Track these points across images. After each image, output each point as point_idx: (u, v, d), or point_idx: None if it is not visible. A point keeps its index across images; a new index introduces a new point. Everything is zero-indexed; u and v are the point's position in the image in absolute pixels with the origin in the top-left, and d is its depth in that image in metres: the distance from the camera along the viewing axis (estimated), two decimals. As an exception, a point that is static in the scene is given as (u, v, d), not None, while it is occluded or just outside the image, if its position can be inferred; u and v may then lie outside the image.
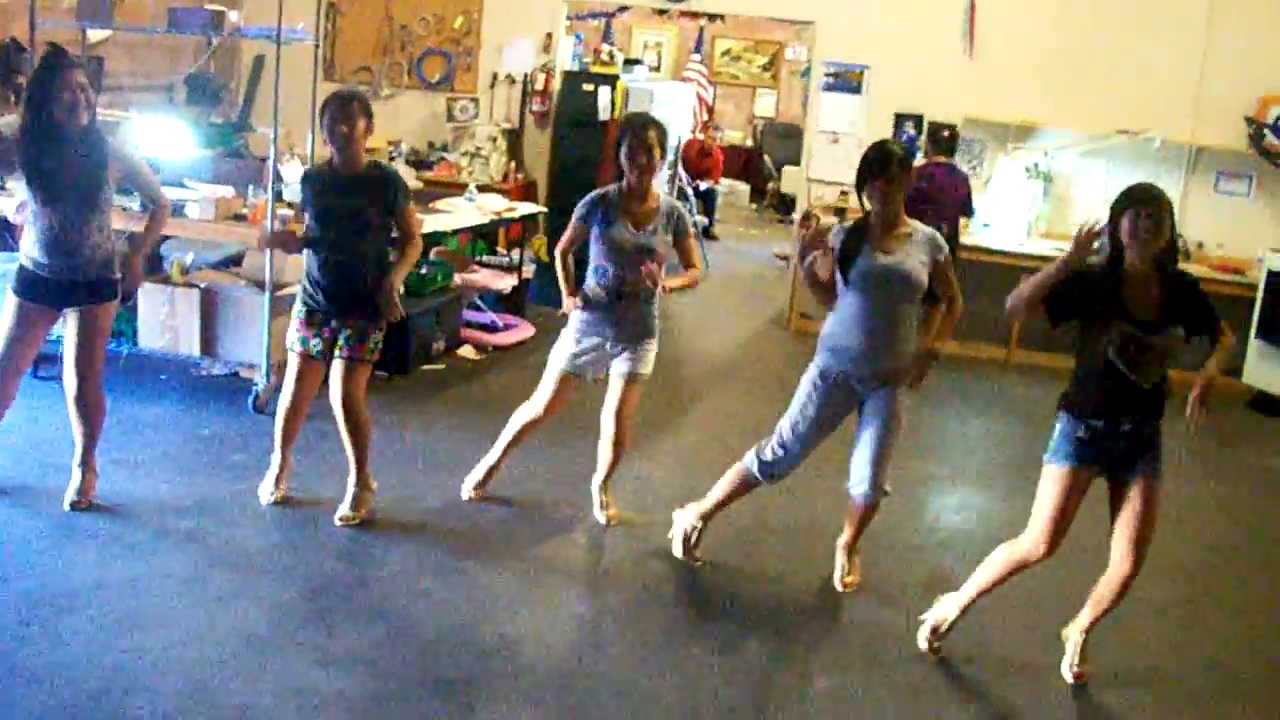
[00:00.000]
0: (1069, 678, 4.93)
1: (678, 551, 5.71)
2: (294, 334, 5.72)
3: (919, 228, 5.28)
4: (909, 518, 6.13)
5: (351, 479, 5.82)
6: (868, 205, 5.21)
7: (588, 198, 5.79)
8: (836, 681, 4.83)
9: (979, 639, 5.17)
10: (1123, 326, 4.50)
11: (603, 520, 6.09)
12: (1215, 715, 4.90)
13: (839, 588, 5.62)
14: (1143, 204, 4.49)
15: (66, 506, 5.61)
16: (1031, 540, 4.74)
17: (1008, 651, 5.17)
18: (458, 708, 4.36)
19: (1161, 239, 4.49)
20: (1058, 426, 4.70)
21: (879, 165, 5.13)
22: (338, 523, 5.74)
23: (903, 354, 5.27)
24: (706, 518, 5.75)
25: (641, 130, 5.62)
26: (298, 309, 5.71)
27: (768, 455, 5.50)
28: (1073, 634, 4.97)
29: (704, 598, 5.47)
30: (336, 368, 5.65)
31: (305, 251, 5.69)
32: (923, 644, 5.04)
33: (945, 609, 5.04)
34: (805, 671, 4.90)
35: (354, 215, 5.54)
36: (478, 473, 6.22)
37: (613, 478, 6.15)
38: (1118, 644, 5.18)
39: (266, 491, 5.91)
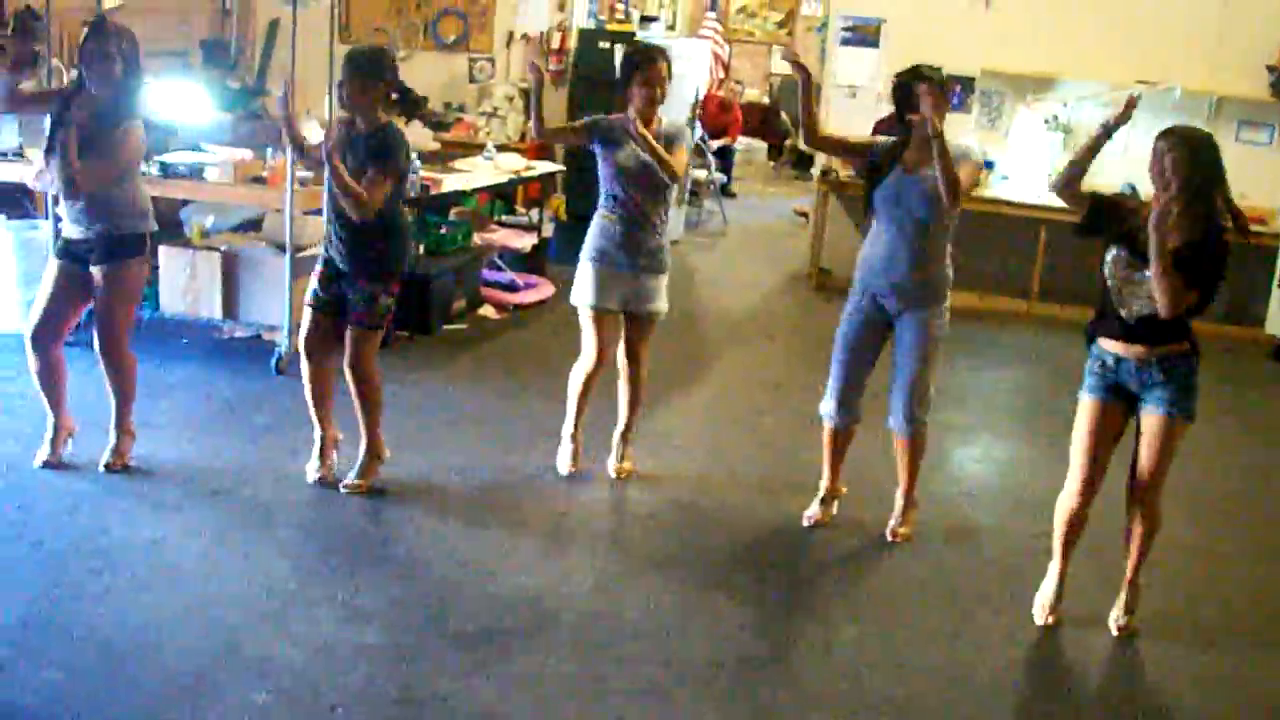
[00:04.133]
0: (1113, 629, 4.91)
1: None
2: (310, 286, 5.69)
3: (958, 143, 5.29)
4: (933, 468, 6.13)
5: (362, 447, 5.77)
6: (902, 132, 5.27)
7: (598, 116, 5.81)
8: (860, 631, 4.85)
9: (1015, 589, 5.17)
10: (1119, 252, 4.58)
11: (611, 474, 6.06)
12: (1244, 662, 4.88)
13: (888, 536, 5.62)
14: (1161, 141, 4.56)
15: (101, 468, 5.64)
16: (1068, 481, 4.80)
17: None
18: (482, 659, 4.39)
19: (1177, 172, 4.49)
20: (1088, 359, 4.79)
21: (924, 78, 5.17)
22: (343, 490, 5.68)
23: (928, 273, 5.31)
24: (829, 496, 5.78)
25: (657, 61, 5.61)
26: (318, 265, 5.69)
27: (824, 394, 5.59)
28: (1123, 586, 4.94)
29: (728, 549, 5.48)
30: (347, 333, 5.61)
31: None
32: (1039, 619, 4.96)
33: (1044, 584, 5.01)
34: (829, 621, 4.92)
35: (360, 174, 5.40)
36: (565, 447, 6.09)
37: (634, 429, 6.12)
38: (1153, 589, 5.15)
39: (312, 469, 5.78)
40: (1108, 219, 4.72)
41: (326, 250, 5.61)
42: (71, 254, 5.50)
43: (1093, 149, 4.71)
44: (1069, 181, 4.78)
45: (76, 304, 5.59)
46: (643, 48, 5.80)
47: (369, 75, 5.38)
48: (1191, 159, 4.49)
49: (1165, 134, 4.57)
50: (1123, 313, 4.61)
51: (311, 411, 5.77)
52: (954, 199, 5.11)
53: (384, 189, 5.35)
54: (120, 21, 5.64)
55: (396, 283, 5.62)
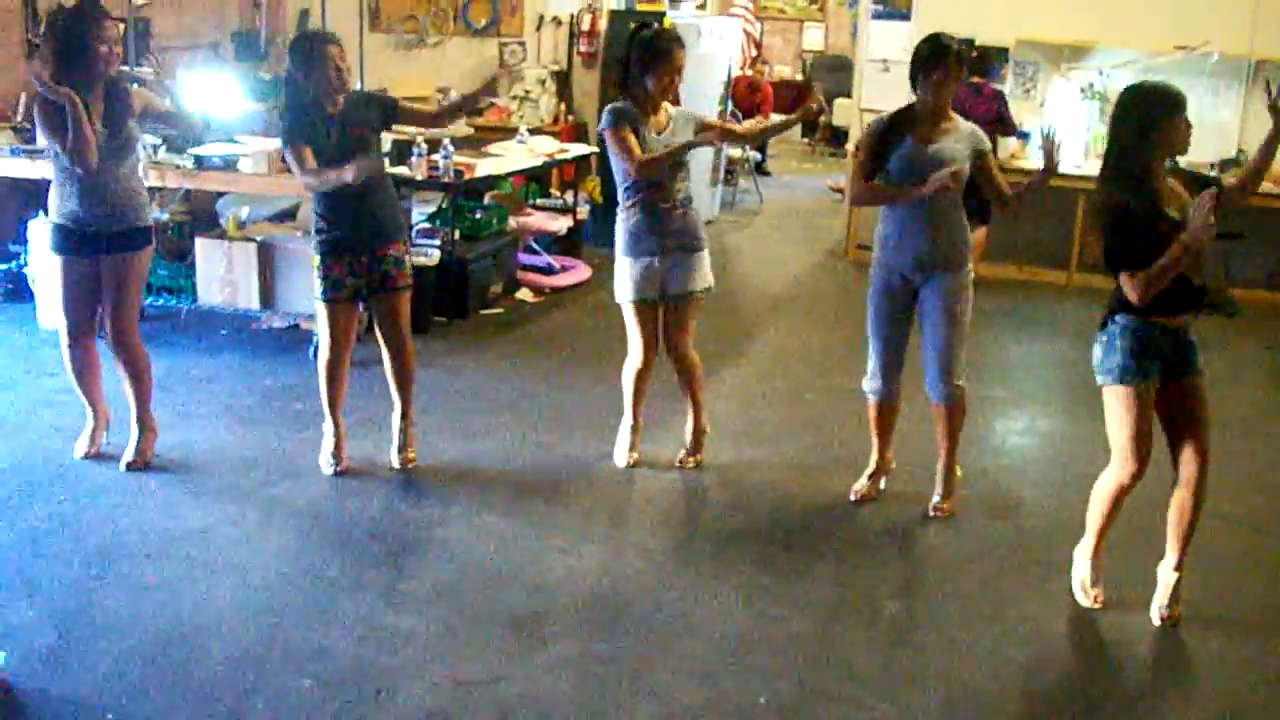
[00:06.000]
0: (1155, 619, 4.75)
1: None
2: (321, 283, 5.56)
3: (961, 123, 5.28)
4: (973, 442, 6.10)
5: (397, 417, 5.82)
6: (919, 96, 5.23)
7: (611, 108, 5.60)
8: (905, 607, 4.84)
9: (1060, 565, 5.07)
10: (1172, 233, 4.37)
11: (677, 464, 6.04)
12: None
13: (932, 512, 5.59)
14: (1177, 107, 4.44)
15: (122, 468, 5.64)
16: (1122, 463, 4.63)
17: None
18: (528, 641, 4.40)
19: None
20: (1119, 341, 4.55)
21: (932, 57, 5.13)
22: (399, 464, 5.78)
23: (948, 244, 5.28)
24: (878, 471, 5.78)
25: (673, 49, 5.52)
26: (318, 256, 5.55)
27: (866, 370, 5.59)
28: (1163, 573, 4.78)
29: (770, 529, 5.46)
30: (381, 302, 5.59)
31: (314, 197, 5.54)
32: (1083, 600, 4.87)
33: (1077, 565, 4.93)
34: (872, 597, 4.90)
35: (359, 147, 5.40)
36: (623, 440, 6.05)
37: (703, 423, 6.06)
38: (1195, 569, 4.99)
39: (327, 463, 5.76)
40: (1144, 245, 4.43)
41: (333, 238, 5.51)
42: (84, 248, 5.46)
43: (1173, 270, 4.35)
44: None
45: (99, 296, 5.57)
46: (663, 33, 5.67)
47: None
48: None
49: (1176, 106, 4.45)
50: (1195, 280, 4.47)
51: (326, 404, 5.75)
52: (1013, 211, 5.35)
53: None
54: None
55: (408, 239, 5.67)
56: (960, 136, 5.23)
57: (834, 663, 4.40)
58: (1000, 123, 9.09)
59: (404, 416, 5.84)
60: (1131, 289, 4.37)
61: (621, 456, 6.03)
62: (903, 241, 5.30)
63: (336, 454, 5.76)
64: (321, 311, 5.65)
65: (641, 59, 5.53)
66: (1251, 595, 5.12)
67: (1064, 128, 10.24)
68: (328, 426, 5.78)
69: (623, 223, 5.71)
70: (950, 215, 5.28)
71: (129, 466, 5.65)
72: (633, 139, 5.49)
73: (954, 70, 5.13)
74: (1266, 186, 9.51)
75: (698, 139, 5.59)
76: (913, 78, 5.24)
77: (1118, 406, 4.59)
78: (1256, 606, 5.02)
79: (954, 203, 5.25)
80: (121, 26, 5.37)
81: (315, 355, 7.13)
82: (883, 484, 5.77)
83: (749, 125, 5.75)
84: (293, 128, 5.39)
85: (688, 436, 6.07)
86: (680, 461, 6.03)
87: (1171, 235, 4.29)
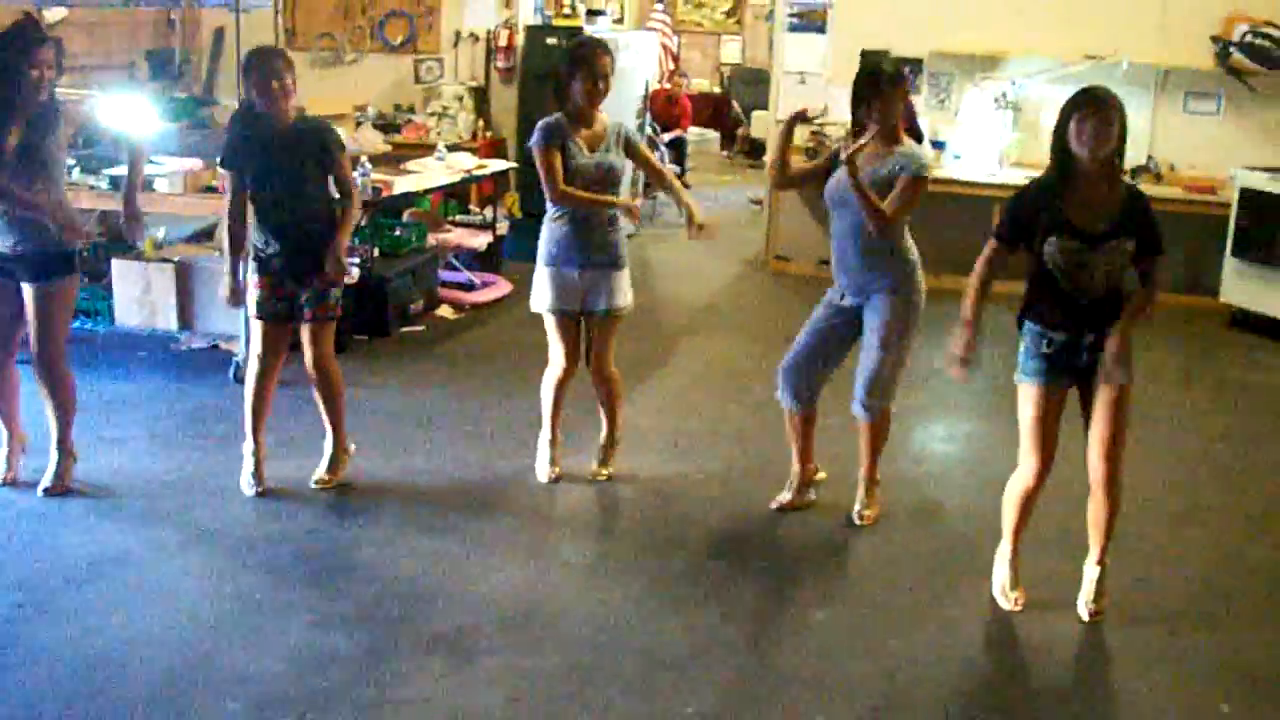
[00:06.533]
0: (1083, 614, 4.83)
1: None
2: (253, 299, 5.57)
3: (908, 149, 5.28)
4: (895, 450, 6.14)
5: (328, 442, 5.80)
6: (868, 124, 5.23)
7: (542, 124, 5.62)
8: (832, 614, 4.87)
9: (983, 569, 5.12)
10: (1062, 240, 4.52)
11: (589, 477, 6.04)
12: (1208, 637, 4.85)
13: (856, 520, 5.63)
14: (1089, 106, 4.45)
15: (39, 493, 5.55)
16: (1024, 464, 4.79)
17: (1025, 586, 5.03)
18: (456, 660, 4.38)
19: (1109, 143, 4.45)
20: (1022, 343, 4.76)
21: (868, 83, 5.21)
22: (314, 485, 5.74)
23: (881, 264, 5.33)
24: (802, 482, 5.78)
25: (599, 56, 5.54)
26: (252, 268, 5.55)
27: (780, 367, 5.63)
28: (1086, 569, 4.88)
29: (698, 541, 5.48)
30: (304, 331, 5.59)
31: (251, 211, 5.54)
32: (1004, 604, 4.93)
33: (996, 569, 5.00)
34: (801, 605, 4.93)
35: (295, 174, 5.42)
36: (542, 454, 6.04)
37: (616, 437, 6.07)
38: (1118, 562, 5.10)
39: (248, 485, 5.71)
40: (1027, 219, 4.64)
41: (263, 258, 5.52)
42: (3, 270, 5.39)
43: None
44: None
45: (17, 318, 5.47)
46: (585, 40, 5.73)
47: (291, 76, 5.45)
48: (1120, 123, 4.47)
49: (1085, 102, 4.48)
50: (1082, 300, 4.59)
51: (250, 423, 5.70)
52: (879, 227, 5.17)
53: (351, 168, 5.44)
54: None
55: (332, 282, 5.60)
56: (894, 160, 5.23)
57: (764, 672, 4.43)
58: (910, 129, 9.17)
59: (334, 440, 5.81)
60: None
61: (543, 471, 6.02)
62: (841, 264, 5.39)
63: (257, 474, 5.71)
64: (254, 328, 5.64)
65: (568, 67, 5.57)
66: (1175, 589, 5.22)
67: (979, 137, 10.42)
68: (248, 446, 5.72)
69: (548, 232, 5.72)
70: (888, 242, 5.29)
71: (47, 492, 5.56)
72: (558, 163, 5.53)
73: (889, 93, 5.18)
74: (1176, 193, 9.73)
75: (620, 202, 5.75)
76: (854, 111, 5.28)
77: (1019, 403, 4.78)
78: (1180, 600, 5.12)
79: (891, 229, 5.24)
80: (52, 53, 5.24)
81: (235, 376, 7.10)
82: (812, 494, 5.79)
83: (671, 179, 5.81)
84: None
85: (599, 449, 6.08)
86: (592, 474, 6.03)
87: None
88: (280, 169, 5.43)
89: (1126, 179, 4.74)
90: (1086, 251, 4.52)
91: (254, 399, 5.67)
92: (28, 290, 5.37)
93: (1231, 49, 10.00)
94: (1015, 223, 4.70)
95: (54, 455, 5.62)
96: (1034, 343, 4.72)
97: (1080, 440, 4.79)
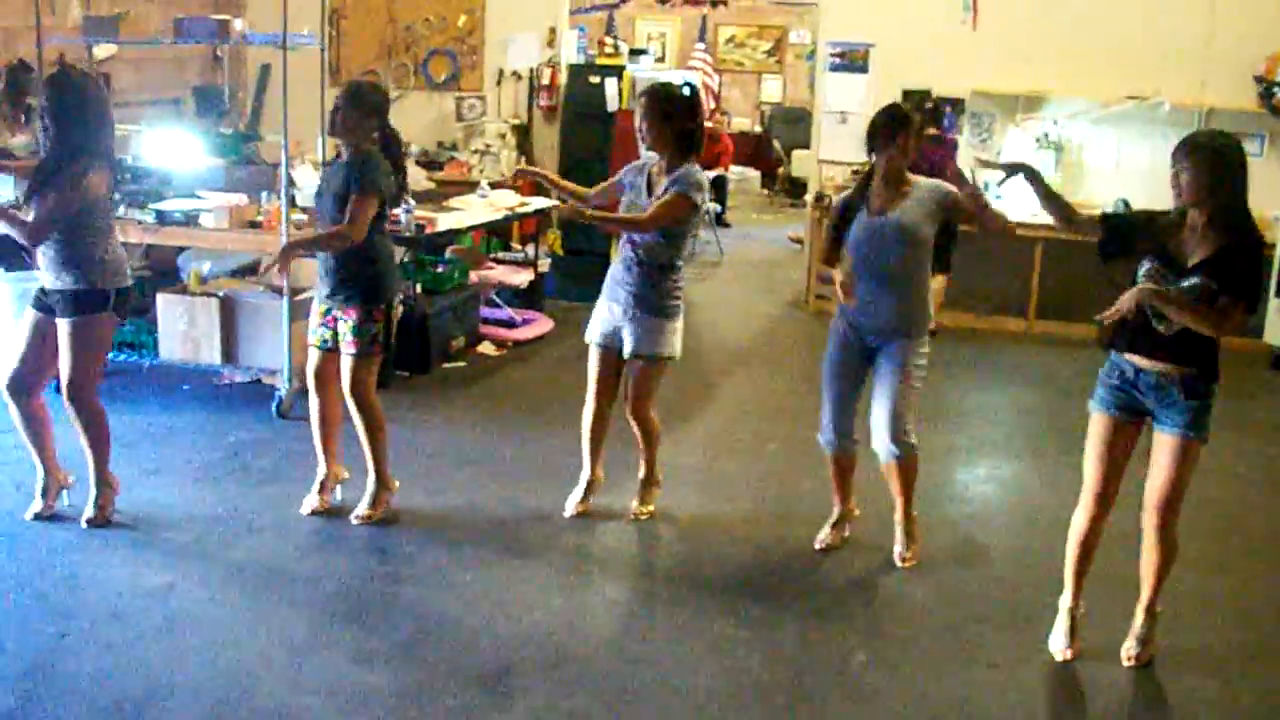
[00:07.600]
0: (1125, 660, 4.77)
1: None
2: (311, 329, 5.80)
3: (921, 183, 5.33)
4: (937, 490, 6.13)
5: (370, 477, 5.82)
6: (876, 163, 5.32)
7: (630, 165, 5.85)
8: (872, 655, 4.83)
9: (1026, 612, 5.11)
10: (1154, 264, 4.49)
11: (631, 516, 6.01)
12: (1260, 684, 4.79)
13: (898, 562, 5.59)
14: (1182, 156, 4.41)
15: (82, 524, 5.59)
16: (1081, 498, 4.74)
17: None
18: (496, 698, 4.37)
19: (1195, 191, 4.36)
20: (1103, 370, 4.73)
21: (881, 127, 5.25)
22: (354, 521, 5.75)
23: (906, 309, 5.35)
24: (841, 520, 5.81)
25: (640, 101, 5.63)
26: (316, 305, 5.79)
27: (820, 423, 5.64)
28: (1136, 615, 4.82)
29: (737, 580, 5.45)
30: (342, 363, 5.67)
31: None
32: (1055, 654, 4.84)
33: (1059, 619, 4.91)
34: (840, 647, 4.89)
35: (331, 201, 5.58)
36: (576, 492, 6.04)
37: (654, 475, 6.06)
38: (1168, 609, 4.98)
39: (309, 502, 5.86)
40: (1131, 235, 4.63)
41: (320, 288, 5.72)
42: (42, 305, 5.50)
43: (1046, 196, 4.97)
44: (1064, 221, 4.93)
45: (51, 355, 5.52)
46: (654, 88, 5.68)
47: (365, 111, 5.59)
48: (1210, 172, 4.36)
49: (1175, 152, 4.44)
50: (1161, 327, 4.49)
51: (318, 445, 5.85)
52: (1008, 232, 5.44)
53: (369, 209, 5.47)
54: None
55: (379, 309, 5.68)
56: (917, 198, 5.28)
57: (804, 714, 4.39)
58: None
59: (375, 476, 5.83)
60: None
61: (571, 505, 6.02)
62: (864, 304, 5.34)
63: (320, 491, 5.89)
64: (310, 354, 5.82)
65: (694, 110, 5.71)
66: (1223, 636, 5.14)
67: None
68: (320, 469, 5.90)
69: (611, 271, 5.83)
70: (910, 284, 5.33)
71: (89, 524, 5.59)
72: (612, 185, 5.84)
73: (899, 138, 5.22)
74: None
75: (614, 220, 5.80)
76: (868, 153, 5.33)
77: (1089, 431, 4.75)
78: (1228, 648, 5.05)
79: (912, 273, 5.31)
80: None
81: (278, 410, 7.13)
82: (847, 532, 5.78)
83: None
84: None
85: (638, 488, 6.08)
86: (633, 513, 6.01)
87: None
88: (325, 196, 5.68)
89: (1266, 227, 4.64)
90: (1170, 279, 4.44)
91: (319, 426, 5.86)
92: (61, 325, 5.42)
93: (1275, 89, 9.95)
94: (1116, 230, 4.72)
95: (92, 488, 5.66)
96: (1108, 371, 4.68)
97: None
